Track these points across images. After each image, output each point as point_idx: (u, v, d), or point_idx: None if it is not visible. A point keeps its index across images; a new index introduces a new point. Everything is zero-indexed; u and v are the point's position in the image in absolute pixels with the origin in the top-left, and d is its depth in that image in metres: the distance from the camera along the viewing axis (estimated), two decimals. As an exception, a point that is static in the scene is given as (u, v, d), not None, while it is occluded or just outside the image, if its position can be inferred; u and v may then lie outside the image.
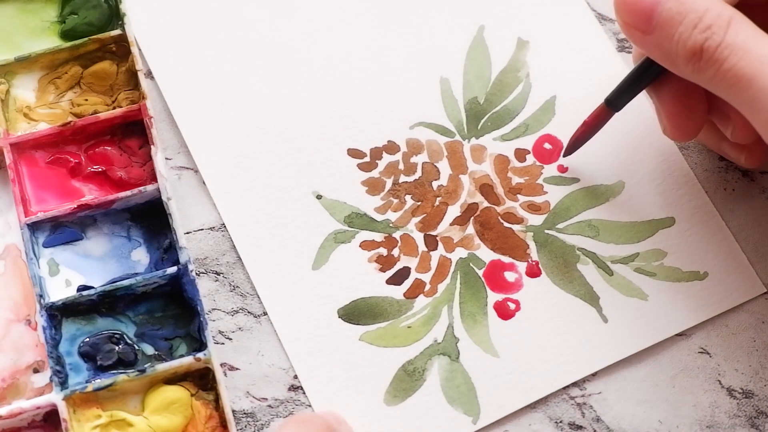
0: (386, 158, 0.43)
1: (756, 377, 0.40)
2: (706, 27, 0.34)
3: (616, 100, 0.40)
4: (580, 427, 0.39)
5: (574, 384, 0.40)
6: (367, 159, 0.43)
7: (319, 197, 0.42)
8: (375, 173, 0.43)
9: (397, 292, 0.41)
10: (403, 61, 0.44)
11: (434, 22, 0.45)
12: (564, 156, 0.42)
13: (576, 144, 0.42)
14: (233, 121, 0.43)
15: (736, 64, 0.33)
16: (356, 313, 0.40)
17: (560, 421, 0.39)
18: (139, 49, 0.44)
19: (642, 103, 0.43)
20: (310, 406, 0.39)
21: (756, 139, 0.37)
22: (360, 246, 0.41)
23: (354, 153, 0.43)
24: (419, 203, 0.42)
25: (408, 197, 0.42)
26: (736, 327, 0.41)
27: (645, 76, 0.38)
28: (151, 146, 0.42)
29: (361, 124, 0.43)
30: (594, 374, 0.40)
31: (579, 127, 0.41)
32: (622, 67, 0.44)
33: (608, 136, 0.42)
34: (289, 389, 0.40)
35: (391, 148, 0.43)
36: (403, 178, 0.43)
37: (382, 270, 0.41)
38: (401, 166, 0.43)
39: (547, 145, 0.43)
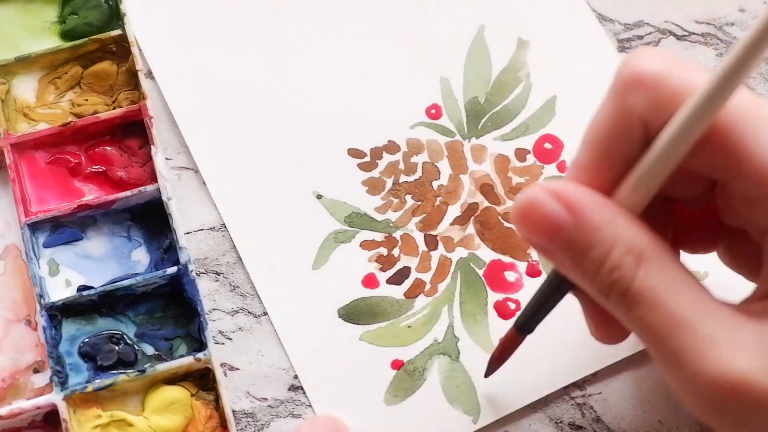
0: (386, 158, 0.43)
1: (756, 377, 0.40)
2: (613, 267, 0.29)
3: (526, 325, 0.36)
4: (580, 428, 0.39)
5: (574, 384, 0.39)
6: (367, 159, 0.43)
7: (319, 197, 0.42)
8: (375, 173, 0.43)
9: (398, 291, 0.41)
10: (404, 60, 0.44)
11: (435, 21, 0.45)
12: (486, 377, 0.39)
13: (494, 367, 0.38)
14: (233, 120, 0.43)
15: (644, 317, 0.29)
16: (356, 312, 0.40)
17: (560, 422, 0.39)
18: (140, 49, 0.44)
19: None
20: (310, 406, 0.39)
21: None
22: (360, 246, 0.41)
23: (354, 153, 0.43)
24: (419, 203, 0.42)
25: (408, 197, 0.42)
26: (736, 327, 0.41)
27: (558, 292, 0.34)
28: (151, 146, 0.42)
29: (362, 123, 0.43)
30: (594, 374, 0.40)
31: (496, 348, 0.38)
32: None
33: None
34: (289, 389, 0.40)
35: (392, 147, 0.43)
36: (403, 178, 0.42)
37: (383, 270, 0.41)
38: (401, 166, 0.43)
39: (547, 145, 0.43)
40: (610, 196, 0.30)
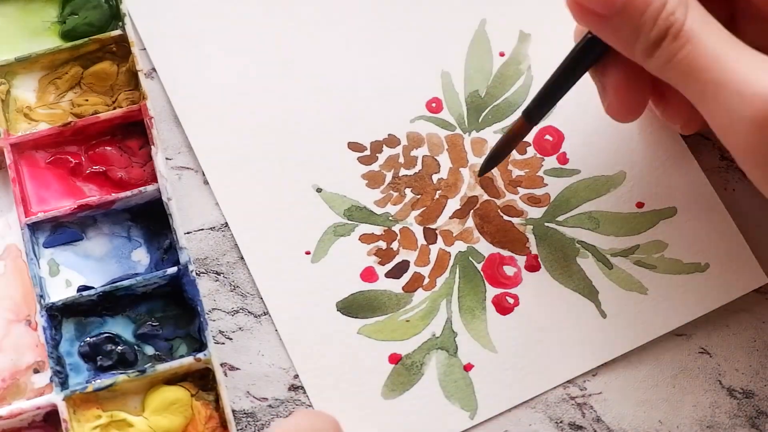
0: (386, 151, 0.42)
1: (756, 377, 0.39)
2: (670, 13, 0.33)
3: (537, 110, 0.38)
4: (581, 427, 0.39)
5: (575, 384, 0.39)
6: (367, 152, 0.42)
7: (319, 190, 0.42)
8: (375, 166, 0.42)
9: (396, 285, 0.40)
10: (404, 54, 0.44)
11: (436, 15, 0.44)
12: (480, 175, 0.40)
13: (495, 160, 0.40)
14: (234, 116, 0.43)
15: (690, 53, 0.33)
16: (355, 306, 0.40)
17: (560, 421, 0.39)
18: (144, 49, 0.44)
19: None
20: (310, 405, 0.39)
21: (689, 116, 0.37)
22: (359, 239, 0.41)
23: (354, 146, 0.43)
24: (419, 196, 0.42)
25: (408, 190, 0.42)
26: (736, 327, 0.40)
27: (584, 60, 0.37)
28: (152, 146, 0.42)
29: (362, 117, 0.43)
30: (594, 374, 0.39)
31: (500, 139, 0.39)
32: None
33: (608, 125, 0.42)
34: (290, 389, 0.39)
35: (392, 141, 0.43)
36: (403, 172, 0.42)
37: (381, 263, 0.41)
38: (401, 160, 0.42)
39: (548, 137, 0.42)
40: None
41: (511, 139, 0.39)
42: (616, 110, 0.38)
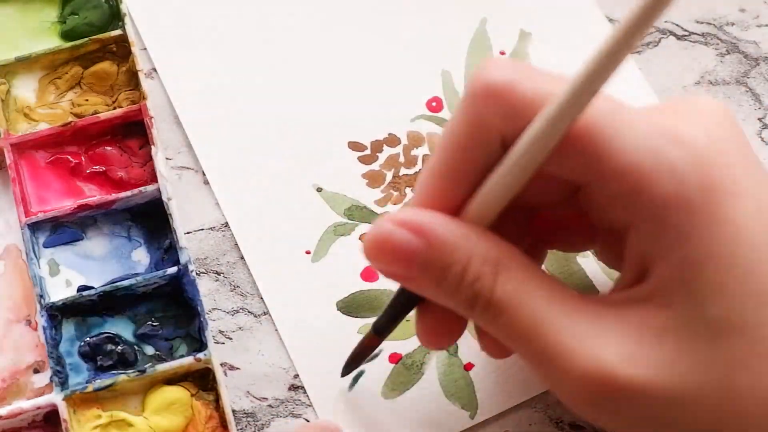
0: (387, 151, 0.42)
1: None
2: (473, 280, 0.29)
3: (383, 330, 0.36)
4: (580, 428, 0.38)
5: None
6: (367, 151, 0.42)
7: (319, 190, 0.42)
8: (375, 166, 0.42)
9: (396, 285, 0.40)
10: (404, 53, 0.44)
11: (436, 14, 0.44)
12: (342, 376, 0.38)
13: (352, 366, 0.38)
14: (235, 116, 0.43)
15: (508, 323, 0.29)
16: (355, 305, 0.40)
17: (561, 421, 0.38)
18: (144, 48, 0.44)
19: (644, 97, 0.42)
20: (310, 405, 0.39)
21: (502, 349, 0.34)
22: (360, 239, 0.41)
23: (354, 146, 0.42)
24: (419, 197, 0.42)
25: (408, 190, 0.42)
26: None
27: (409, 303, 0.34)
28: (152, 146, 0.42)
29: (362, 116, 0.43)
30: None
31: (354, 348, 0.37)
32: (624, 62, 0.43)
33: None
34: (290, 389, 0.39)
35: (392, 140, 0.43)
36: (403, 171, 0.42)
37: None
38: (402, 159, 0.42)
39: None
40: (460, 211, 0.30)
41: (364, 351, 0.37)
42: (425, 343, 0.34)
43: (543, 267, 0.40)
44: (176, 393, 0.38)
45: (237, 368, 0.39)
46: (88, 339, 0.39)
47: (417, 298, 0.33)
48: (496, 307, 0.29)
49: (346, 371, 0.38)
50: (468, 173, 0.30)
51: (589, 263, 0.40)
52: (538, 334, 0.29)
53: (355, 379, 0.39)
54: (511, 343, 0.30)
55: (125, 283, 0.39)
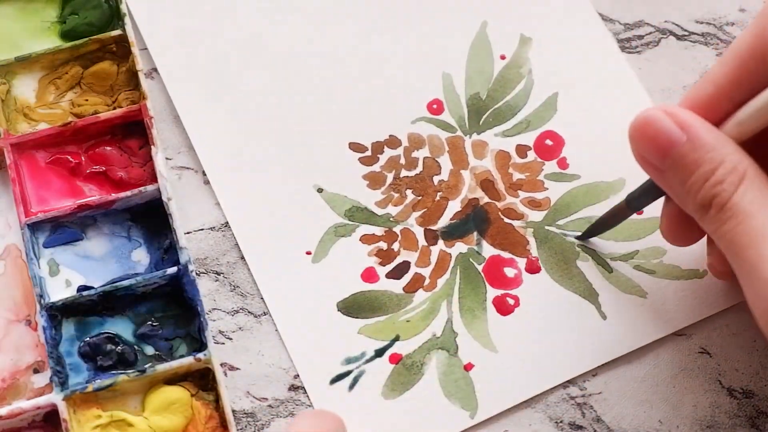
0: (387, 152, 0.43)
1: (756, 377, 0.40)
2: (717, 182, 0.32)
3: (636, 202, 0.38)
4: (581, 427, 0.39)
5: (575, 384, 0.39)
6: (368, 153, 0.43)
7: (320, 191, 0.42)
8: (376, 167, 0.42)
9: (397, 286, 0.40)
10: (406, 55, 0.44)
11: (437, 17, 0.44)
12: (580, 239, 0.41)
13: (593, 233, 0.40)
14: (235, 116, 0.43)
15: (734, 228, 0.31)
16: (355, 306, 0.40)
17: (560, 421, 0.39)
18: (144, 48, 0.44)
19: (644, 99, 0.43)
20: (310, 405, 0.39)
21: (728, 271, 0.35)
22: (360, 240, 0.41)
23: (355, 147, 0.43)
24: (420, 198, 0.42)
25: (409, 192, 0.42)
26: (736, 327, 0.40)
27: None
28: (152, 146, 0.42)
29: (363, 118, 0.43)
30: (594, 374, 0.39)
31: (601, 217, 0.40)
32: (624, 65, 0.44)
33: (609, 133, 0.42)
34: (290, 389, 0.39)
35: (393, 142, 0.43)
36: (404, 173, 0.42)
37: (382, 264, 0.41)
38: (402, 161, 0.42)
39: (548, 142, 0.42)
40: (721, 124, 0.33)
41: (613, 219, 0.39)
42: (666, 236, 0.38)
43: (543, 271, 0.41)
44: (176, 393, 0.39)
45: (237, 368, 0.40)
46: (88, 339, 0.40)
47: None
48: (730, 211, 0.32)
49: (587, 235, 0.40)
50: (741, 85, 0.32)
51: (589, 266, 0.40)
52: (758, 244, 0.31)
53: (355, 379, 0.39)
54: (729, 249, 0.32)
55: (125, 283, 0.40)
